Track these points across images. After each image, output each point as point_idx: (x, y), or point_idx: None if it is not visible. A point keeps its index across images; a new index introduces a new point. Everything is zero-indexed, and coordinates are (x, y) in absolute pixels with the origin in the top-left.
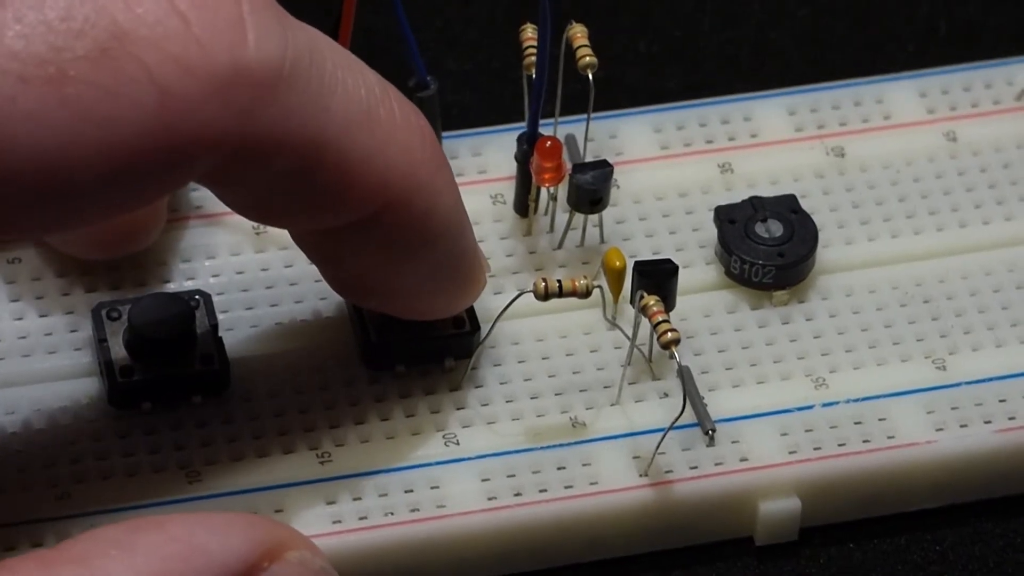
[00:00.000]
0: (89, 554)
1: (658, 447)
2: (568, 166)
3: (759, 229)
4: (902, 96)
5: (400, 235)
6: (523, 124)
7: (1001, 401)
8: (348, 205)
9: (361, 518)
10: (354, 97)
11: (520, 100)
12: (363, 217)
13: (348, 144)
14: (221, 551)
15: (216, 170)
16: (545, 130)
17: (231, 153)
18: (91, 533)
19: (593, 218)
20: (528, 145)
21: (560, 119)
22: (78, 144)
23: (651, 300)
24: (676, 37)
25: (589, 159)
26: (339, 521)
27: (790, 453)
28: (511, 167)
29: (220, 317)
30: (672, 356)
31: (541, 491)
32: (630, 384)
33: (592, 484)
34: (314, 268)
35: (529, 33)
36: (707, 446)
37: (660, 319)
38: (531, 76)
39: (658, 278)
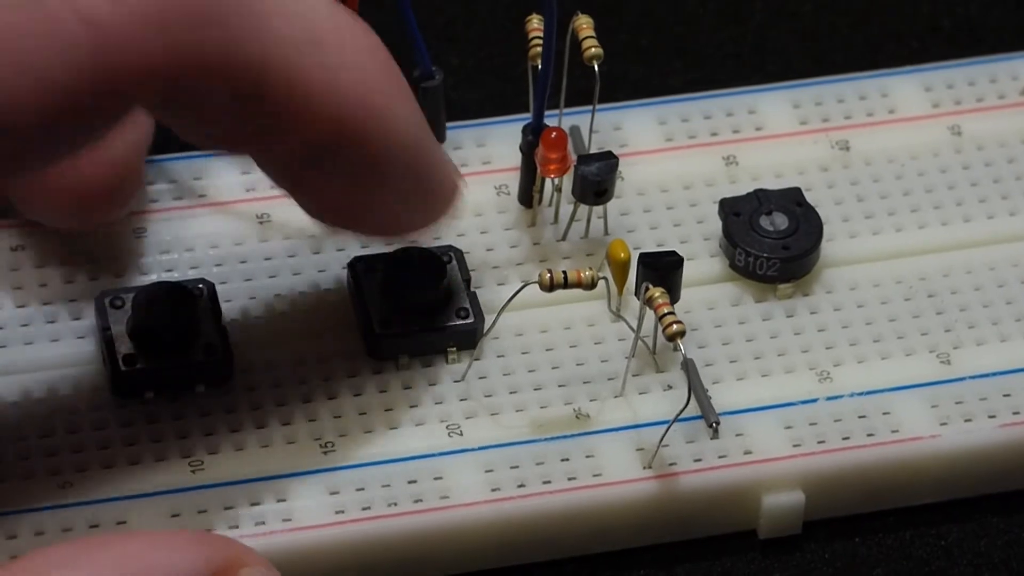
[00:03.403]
0: (36, 573)
1: (662, 439)
2: (573, 157)
3: (764, 222)
4: (907, 90)
5: (360, 158)
6: (528, 115)
7: (1005, 395)
8: (300, 130)
9: (364, 508)
10: (297, 18)
11: (523, 97)
12: (320, 142)
13: (293, 66)
14: (173, 570)
15: (159, 99)
16: (550, 122)
17: (171, 80)
18: (40, 552)
19: (598, 210)
20: (533, 136)
21: (565, 111)
22: (14, 92)
23: (656, 292)
24: (678, 34)
25: (594, 150)
26: (342, 511)
27: (794, 446)
28: (516, 158)
29: (224, 306)
30: (676, 348)
31: (545, 483)
32: (634, 376)
33: (596, 476)
34: (318, 258)
35: (535, 24)
36: (711, 439)
37: (665, 311)
38: (536, 67)
39: (662, 270)
